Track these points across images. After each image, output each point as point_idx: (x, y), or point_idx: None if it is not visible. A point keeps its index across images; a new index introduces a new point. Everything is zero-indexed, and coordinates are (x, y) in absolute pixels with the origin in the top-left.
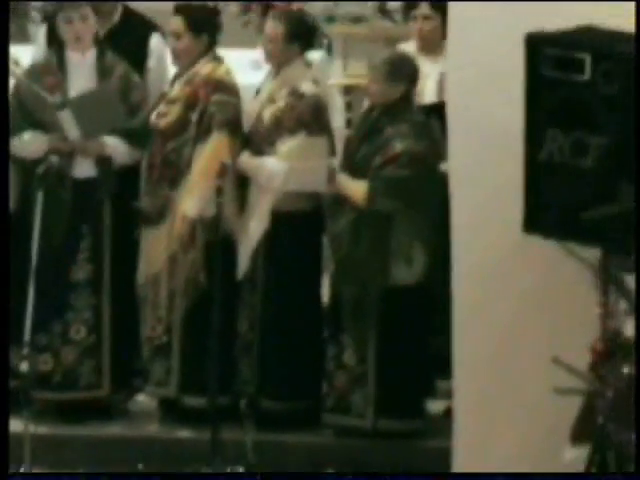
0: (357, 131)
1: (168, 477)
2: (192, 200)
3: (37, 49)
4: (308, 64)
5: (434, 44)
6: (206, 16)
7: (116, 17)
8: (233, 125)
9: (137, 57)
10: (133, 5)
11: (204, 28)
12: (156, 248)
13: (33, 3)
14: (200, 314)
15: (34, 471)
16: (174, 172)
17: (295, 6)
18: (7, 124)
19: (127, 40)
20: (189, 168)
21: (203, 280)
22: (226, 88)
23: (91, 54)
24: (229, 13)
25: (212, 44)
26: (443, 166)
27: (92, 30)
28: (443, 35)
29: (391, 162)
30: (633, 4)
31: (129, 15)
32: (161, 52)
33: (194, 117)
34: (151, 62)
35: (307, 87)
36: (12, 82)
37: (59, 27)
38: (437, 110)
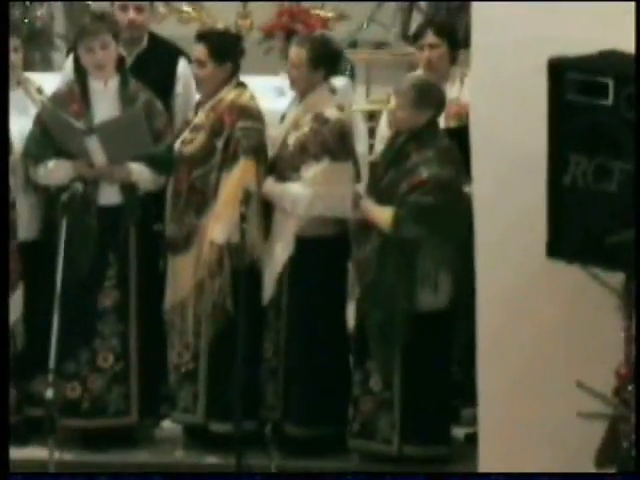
0: (383, 157)
1: (168, 477)
2: (220, 226)
3: (63, 77)
4: (332, 90)
5: (441, 72)
6: (229, 43)
7: (144, 43)
8: (259, 151)
9: (165, 83)
10: (160, 31)
11: (227, 55)
12: (183, 275)
13: (57, 31)
14: (226, 340)
15: None
16: (200, 199)
17: (318, 31)
18: (7, 123)
19: (155, 66)
20: (215, 195)
21: (230, 306)
22: (251, 114)
23: (114, 82)
24: (251, 40)
25: (235, 71)
26: (465, 189)
27: (113, 58)
28: (449, 63)
29: (417, 188)
30: None
31: (156, 41)
32: (188, 78)
33: (220, 144)
34: (178, 87)
35: (331, 113)
36: (36, 110)
37: (81, 56)
38: (454, 134)
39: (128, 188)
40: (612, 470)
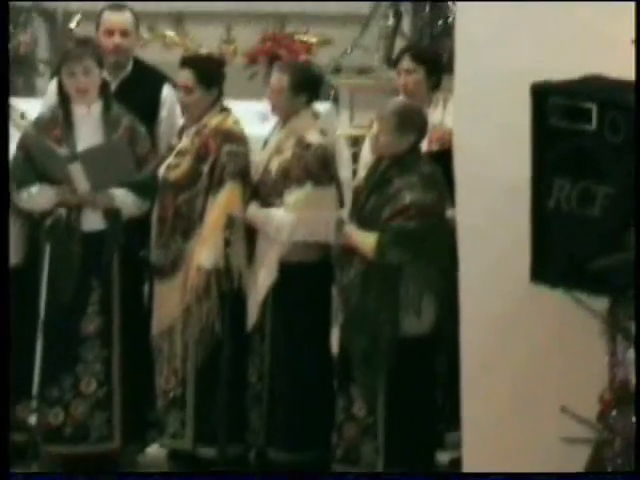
0: (365, 182)
1: (168, 477)
2: (206, 251)
3: (45, 102)
4: (315, 115)
5: (420, 97)
6: (215, 69)
7: (129, 68)
8: (244, 175)
9: (149, 108)
10: (143, 57)
11: (214, 81)
12: (170, 300)
13: (40, 56)
14: (214, 365)
15: None
16: (186, 224)
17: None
18: (7, 123)
19: (139, 91)
20: (201, 220)
21: (218, 330)
22: (236, 138)
23: (96, 107)
24: (235, 65)
25: (220, 96)
26: (448, 213)
27: (97, 83)
28: (430, 88)
29: (400, 214)
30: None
31: (141, 66)
32: (172, 103)
33: (205, 168)
34: (163, 113)
35: (314, 138)
36: (19, 135)
37: (64, 82)
38: (436, 159)
39: (112, 214)
40: None
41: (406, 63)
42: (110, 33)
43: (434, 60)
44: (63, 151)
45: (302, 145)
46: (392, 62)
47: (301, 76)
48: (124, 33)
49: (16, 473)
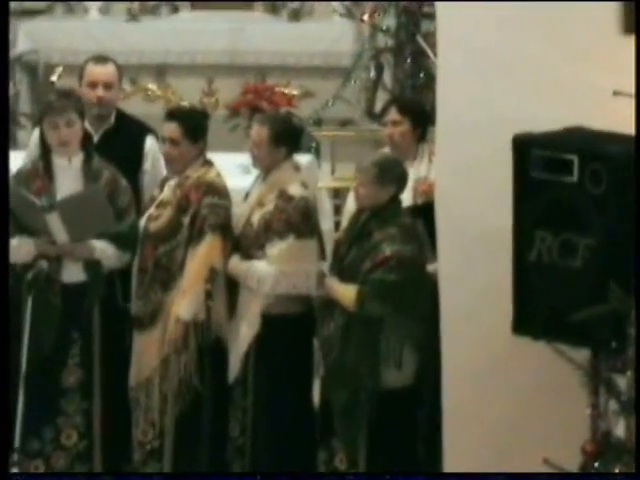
0: (346, 234)
1: (168, 477)
2: (185, 303)
3: (28, 153)
4: (296, 167)
5: (406, 149)
6: (200, 122)
7: (111, 120)
8: (225, 228)
9: (132, 160)
10: (126, 109)
11: (200, 134)
12: (148, 351)
13: (22, 110)
14: (192, 418)
15: None
16: (166, 275)
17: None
18: (7, 123)
19: (122, 143)
20: (181, 271)
21: (196, 383)
22: (217, 191)
23: (78, 159)
24: (217, 117)
25: (204, 148)
26: (430, 267)
27: (78, 135)
28: (415, 140)
29: (380, 266)
30: (617, 106)
31: (124, 118)
32: (156, 154)
33: (186, 220)
34: (146, 165)
35: (295, 190)
36: None
37: (45, 133)
38: (421, 212)
39: (92, 266)
40: None
41: (393, 114)
42: (93, 85)
43: (420, 112)
44: (41, 201)
45: (284, 198)
46: (373, 114)
47: (281, 128)
48: (107, 85)
49: (16, 473)
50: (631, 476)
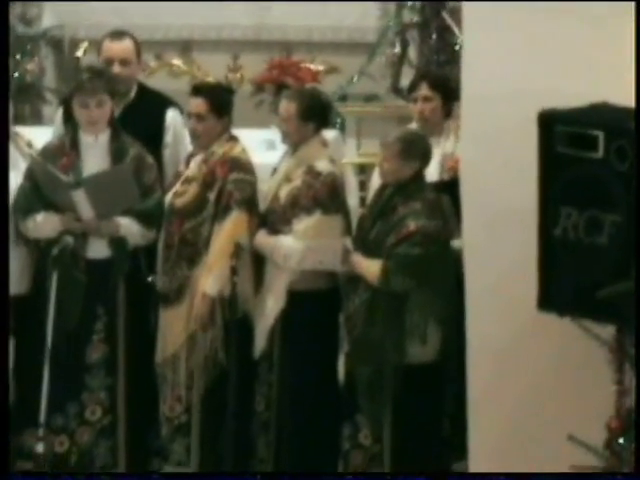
0: (370, 209)
1: (168, 477)
2: (211, 279)
3: (54, 130)
4: (324, 143)
5: (435, 125)
6: (227, 97)
7: (132, 95)
8: (251, 203)
9: (154, 133)
10: (151, 84)
11: (226, 109)
12: (175, 327)
13: (47, 84)
14: (219, 393)
15: None
16: (192, 251)
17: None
18: (7, 123)
19: (143, 116)
20: (207, 247)
21: (222, 359)
22: (243, 166)
23: (104, 136)
24: (242, 93)
25: (229, 124)
26: (455, 243)
27: (107, 114)
28: (443, 116)
29: (405, 240)
30: None
31: (145, 92)
32: (177, 127)
33: (212, 196)
34: (168, 138)
35: (323, 166)
36: (25, 164)
37: (74, 110)
38: (447, 187)
39: (117, 242)
40: None
41: (423, 90)
42: (110, 61)
43: (450, 88)
44: (67, 178)
45: (312, 173)
46: (399, 90)
47: (310, 103)
48: (124, 62)
49: (16, 473)
50: (631, 476)
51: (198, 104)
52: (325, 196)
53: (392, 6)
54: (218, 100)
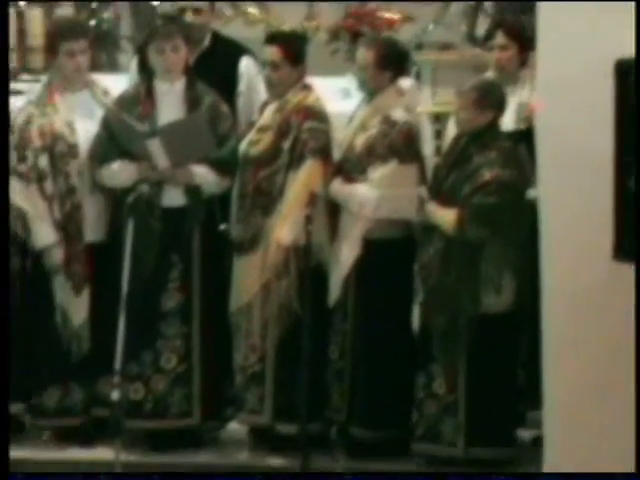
0: (445, 159)
1: (168, 477)
2: (286, 228)
3: (130, 79)
4: (400, 92)
5: (510, 74)
6: (301, 45)
7: (205, 43)
8: (325, 152)
9: (228, 81)
10: (227, 33)
11: (300, 58)
12: (249, 276)
13: (123, 32)
14: (293, 342)
15: None
16: (267, 200)
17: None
18: (7, 122)
19: (217, 64)
20: (282, 196)
21: (296, 307)
22: (317, 115)
23: (180, 84)
24: (317, 41)
25: (303, 72)
26: (531, 192)
27: (183, 60)
28: (519, 64)
29: (480, 190)
30: None
31: (219, 40)
32: (251, 76)
33: (286, 145)
34: (241, 86)
35: (399, 115)
36: (102, 112)
37: (150, 57)
38: (523, 137)
39: (192, 190)
40: None
41: (500, 38)
42: (181, 11)
43: (525, 36)
44: (142, 127)
45: (388, 122)
46: (474, 38)
47: (387, 51)
48: (197, 10)
49: (16, 473)
50: (631, 476)
51: (273, 52)
52: (401, 145)
53: None
54: (293, 48)
